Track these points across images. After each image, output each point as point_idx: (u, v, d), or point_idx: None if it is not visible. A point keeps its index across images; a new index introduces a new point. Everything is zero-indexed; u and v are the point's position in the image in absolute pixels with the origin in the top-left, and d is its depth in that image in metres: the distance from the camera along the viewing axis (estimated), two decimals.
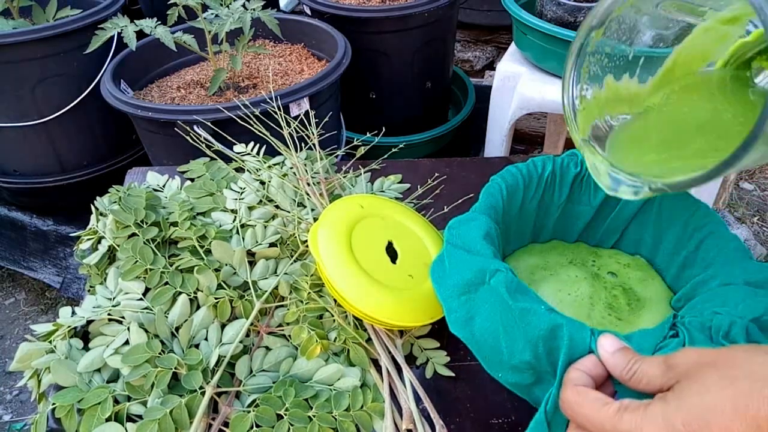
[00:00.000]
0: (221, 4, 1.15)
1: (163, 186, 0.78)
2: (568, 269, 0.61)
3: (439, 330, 0.62)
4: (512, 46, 1.31)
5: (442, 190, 0.82)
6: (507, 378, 0.46)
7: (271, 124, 0.84)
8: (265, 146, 0.83)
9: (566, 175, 0.60)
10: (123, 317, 0.57)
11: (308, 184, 0.73)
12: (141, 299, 0.59)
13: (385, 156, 0.86)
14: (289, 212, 0.70)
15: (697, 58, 0.48)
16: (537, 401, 0.45)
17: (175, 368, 0.53)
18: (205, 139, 0.87)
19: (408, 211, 0.69)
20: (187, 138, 0.84)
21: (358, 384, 0.55)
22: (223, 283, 0.61)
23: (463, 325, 0.47)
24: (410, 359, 0.59)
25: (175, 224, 0.67)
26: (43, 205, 1.57)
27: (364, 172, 0.82)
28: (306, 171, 0.75)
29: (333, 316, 0.60)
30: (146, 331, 0.56)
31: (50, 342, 0.56)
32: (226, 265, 0.63)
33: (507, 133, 1.32)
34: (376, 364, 0.58)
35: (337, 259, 0.58)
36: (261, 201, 0.72)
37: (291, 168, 0.77)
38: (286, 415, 0.51)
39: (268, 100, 0.96)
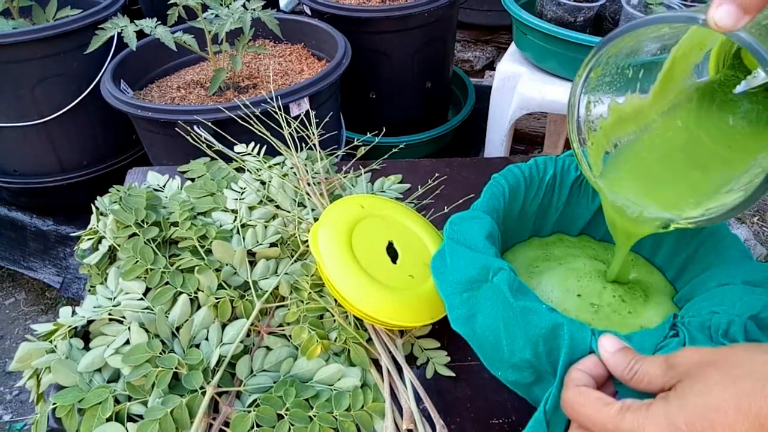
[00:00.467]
0: (221, 4, 1.15)
1: (164, 186, 0.78)
2: (574, 260, 0.61)
3: (439, 330, 0.62)
4: (512, 46, 1.32)
5: (443, 191, 0.82)
6: (507, 376, 0.46)
7: (272, 124, 0.84)
8: (265, 146, 0.83)
9: (566, 178, 0.60)
10: (124, 317, 0.57)
11: (309, 184, 0.73)
12: (142, 299, 0.59)
13: (386, 156, 0.86)
14: (289, 212, 0.70)
15: (695, 48, 0.48)
16: (536, 400, 0.45)
17: (176, 368, 0.53)
18: (205, 139, 0.87)
19: (408, 211, 0.69)
20: (188, 138, 0.84)
21: (358, 384, 0.55)
22: (223, 283, 0.61)
23: (464, 323, 0.47)
24: (411, 359, 0.59)
25: (175, 224, 0.67)
26: (43, 205, 1.57)
27: (365, 173, 0.82)
28: (306, 171, 0.75)
29: (333, 316, 0.60)
30: (147, 331, 0.56)
31: (51, 342, 0.56)
32: (227, 265, 0.63)
33: (507, 133, 1.32)
34: (376, 364, 0.58)
35: (337, 259, 0.58)
36: (261, 201, 0.72)
37: (291, 168, 0.77)
38: (286, 415, 0.51)
39: (269, 100, 0.96)
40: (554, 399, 0.40)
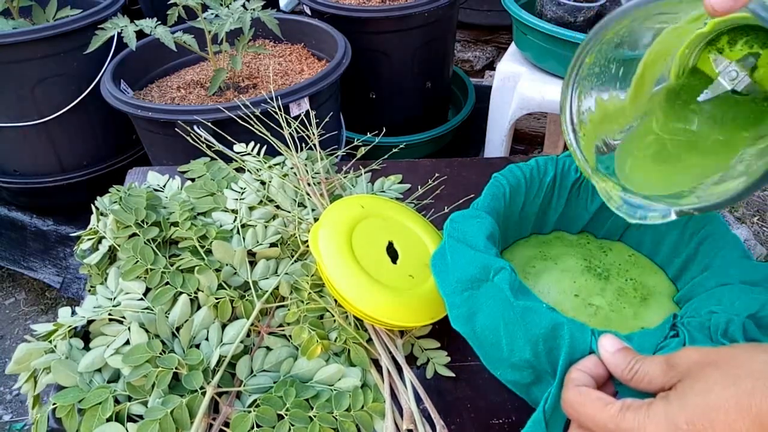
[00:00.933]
0: (221, 4, 1.15)
1: (164, 186, 0.78)
2: (568, 259, 0.61)
3: (439, 330, 0.62)
4: (512, 46, 1.32)
5: (443, 191, 0.82)
6: (506, 376, 0.46)
7: (272, 125, 0.84)
8: (266, 146, 0.83)
9: (566, 179, 0.60)
10: (124, 317, 0.57)
11: (309, 185, 0.73)
12: (142, 299, 0.59)
13: (386, 156, 0.86)
14: (289, 212, 0.70)
15: (661, 55, 0.48)
16: (534, 401, 0.45)
17: (176, 368, 0.53)
18: (205, 139, 0.87)
19: (408, 211, 0.69)
20: (188, 138, 0.84)
21: (358, 384, 0.55)
22: (223, 283, 0.61)
23: (464, 322, 0.47)
24: (411, 359, 0.59)
25: (175, 224, 0.67)
26: (43, 205, 1.57)
27: (365, 173, 0.82)
28: (306, 171, 0.75)
29: (333, 316, 0.60)
30: (147, 331, 0.56)
31: (50, 342, 0.56)
32: (227, 265, 0.63)
33: (507, 133, 1.32)
34: (376, 364, 0.58)
35: (337, 259, 0.58)
36: (261, 201, 0.72)
37: (291, 168, 0.77)
38: (286, 415, 0.51)
39: (269, 100, 0.96)
40: (554, 399, 0.40)
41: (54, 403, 0.51)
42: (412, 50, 1.44)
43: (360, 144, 0.85)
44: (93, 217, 0.69)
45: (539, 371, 0.44)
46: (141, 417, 0.51)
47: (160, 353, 0.53)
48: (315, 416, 0.52)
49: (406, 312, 0.57)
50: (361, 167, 0.84)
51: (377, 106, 1.54)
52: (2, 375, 1.48)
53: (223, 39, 1.15)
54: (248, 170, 0.78)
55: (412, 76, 1.50)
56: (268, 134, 0.82)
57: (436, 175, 0.84)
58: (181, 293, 0.59)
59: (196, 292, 0.60)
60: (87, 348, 0.56)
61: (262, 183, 0.75)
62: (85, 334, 0.58)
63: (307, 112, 1.03)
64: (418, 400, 0.53)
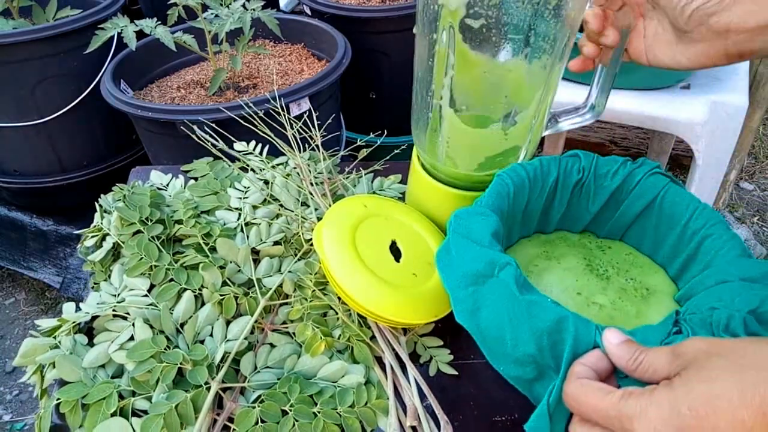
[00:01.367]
0: (221, 4, 1.16)
1: (167, 185, 0.78)
2: (571, 259, 0.62)
3: (442, 328, 0.62)
4: None
5: None
6: (509, 371, 0.46)
7: (273, 124, 0.84)
8: (267, 146, 0.83)
9: (568, 179, 0.60)
10: (128, 313, 0.57)
11: (312, 184, 0.73)
12: (146, 295, 0.59)
13: (387, 157, 0.86)
14: (293, 211, 0.70)
15: None
16: (537, 397, 0.46)
17: (181, 364, 0.53)
18: (208, 138, 0.87)
19: (411, 211, 0.69)
20: (191, 137, 0.84)
21: (362, 381, 0.55)
22: (227, 280, 0.62)
23: (469, 316, 0.47)
24: (414, 357, 0.60)
25: (179, 222, 0.67)
26: (43, 205, 1.57)
27: (365, 174, 0.82)
28: (309, 171, 0.75)
29: (337, 313, 0.60)
30: (151, 327, 0.56)
31: (55, 338, 0.56)
32: (231, 262, 0.64)
33: None
34: (379, 361, 0.58)
35: (341, 257, 0.58)
36: (265, 200, 0.73)
37: (294, 168, 0.77)
38: (291, 411, 0.52)
39: (270, 99, 0.96)
40: (557, 392, 0.40)
41: (58, 399, 0.51)
42: (412, 50, 1.44)
43: (362, 144, 0.85)
44: (96, 215, 0.69)
45: (542, 367, 0.44)
46: (145, 412, 0.51)
47: (165, 349, 0.54)
48: (319, 412, 0.52)
49: (409, 309, 0.57)
50: (362, 169, 0.84)
51: (377, 106, 1.54)
52: (2, 375, 1.47)
53: (223, 39, 1.15)
54: (251, 169, 0.78)
55: (412, 75, 1.50)
56: (271, 134, 0.82)
57: None
58: (185, 290, 0.59)
59: (200, 289, 0.60)
60: (91, 344, 0.56)
61: (266, 182, 0.76)
62: (88, 331, 0.59)
63: (309, 112, 1.03)
64: (422, 396, 0.54)
